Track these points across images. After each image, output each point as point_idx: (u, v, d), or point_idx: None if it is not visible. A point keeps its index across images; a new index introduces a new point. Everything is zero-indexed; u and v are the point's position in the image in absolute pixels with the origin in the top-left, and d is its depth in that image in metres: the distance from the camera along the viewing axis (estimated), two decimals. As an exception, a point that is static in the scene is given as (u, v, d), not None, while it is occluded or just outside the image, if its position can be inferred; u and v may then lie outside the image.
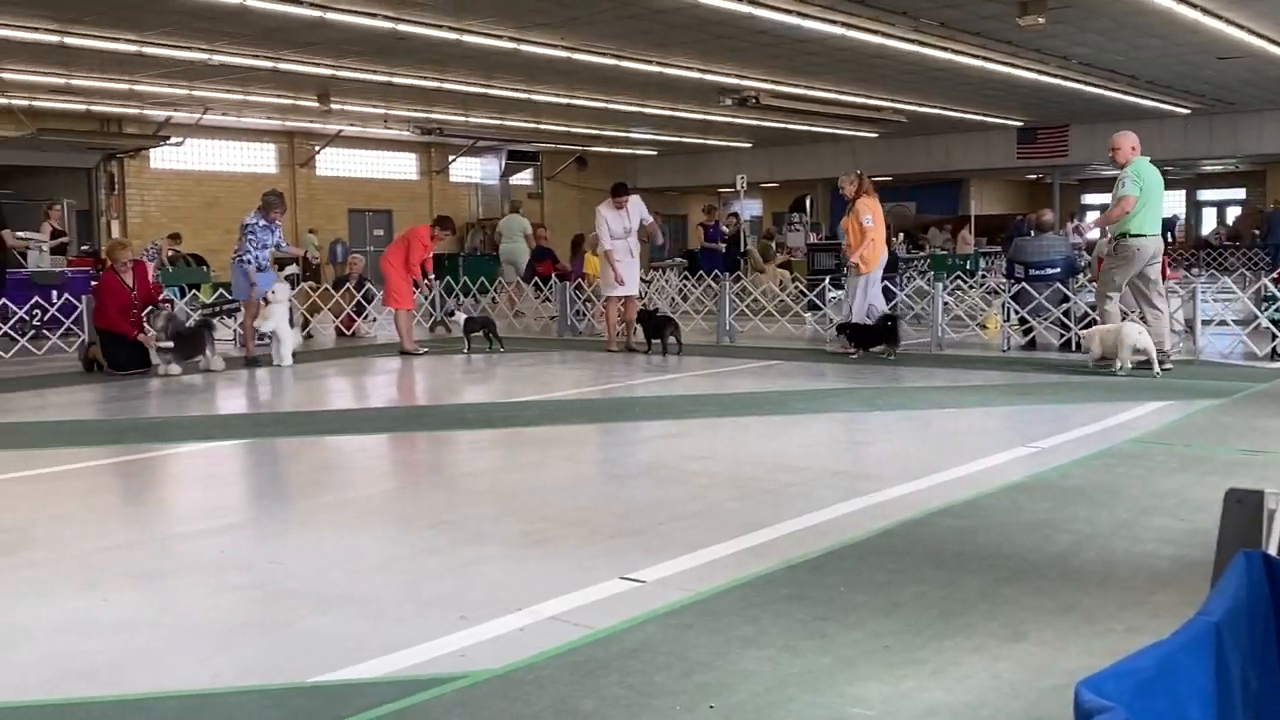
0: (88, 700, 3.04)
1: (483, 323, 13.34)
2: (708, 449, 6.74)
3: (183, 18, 13.99)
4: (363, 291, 15.95)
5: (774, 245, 22.76)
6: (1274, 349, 10.52)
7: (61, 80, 18.23)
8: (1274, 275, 11.07)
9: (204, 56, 16.24)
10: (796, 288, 16.79)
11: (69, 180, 21.32)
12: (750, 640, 3.34)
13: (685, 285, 17.74)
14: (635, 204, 12.67)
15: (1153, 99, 22.63)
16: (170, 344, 11.00)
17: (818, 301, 14.77)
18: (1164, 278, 10.72)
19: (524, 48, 16.09)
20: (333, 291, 16.10)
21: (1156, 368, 9.38)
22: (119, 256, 11.51)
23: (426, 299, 16.20)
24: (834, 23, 14.54)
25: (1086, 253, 12.94)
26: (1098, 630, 3.40)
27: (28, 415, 8.72)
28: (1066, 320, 11.60)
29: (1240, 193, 39.10)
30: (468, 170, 30.72)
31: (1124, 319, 9.90)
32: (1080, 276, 11.91)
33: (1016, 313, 11.96)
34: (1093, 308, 10.73)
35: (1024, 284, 11.71)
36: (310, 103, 21.18)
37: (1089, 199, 38.30)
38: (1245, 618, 1.59)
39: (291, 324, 12.36)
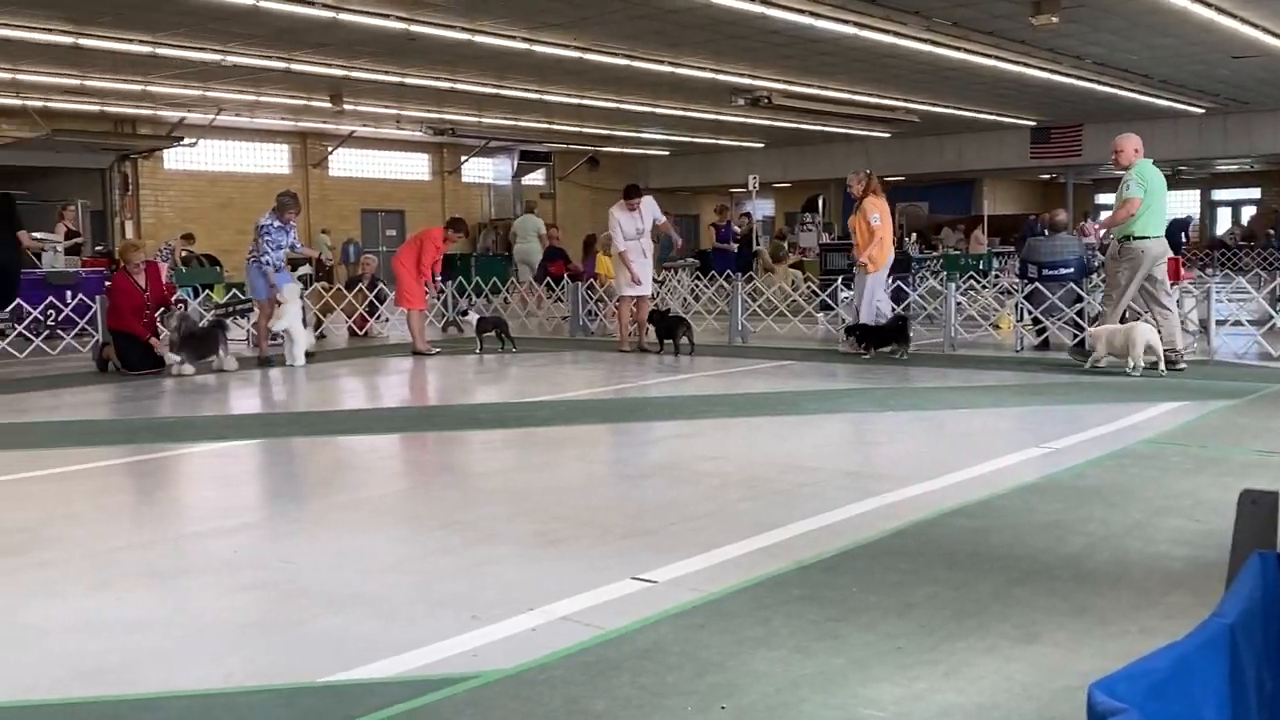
0: (99, 700, 3.05)
1: (495, 323, 13.36)
2: (720, 449, 6.73)
3: (196, 19, 14.04)
4: (375, 292, 16.00)
5: (786, 245, 22.74)
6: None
7: (76, 81, 18.31)
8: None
9: (217, 57, 16.30)
10: (809, 287, 16.77)
11: (83, 181, 21.44)
12: (762, 641, 3.33)
13: (697, 285, 17.74)
14: (648, 205, 12.69)
15: (1167, 98, 22.53)
16: (177, 350, 11.04)
17: (830, 301, 14.76)
18: (1178, 278, 10.68)
19: (536, 48, 16.10)
20: (345, 291, 16.14)
21: (1164, 367, 9.35)
22: (131, 258, 11.56)
23: (439, 299, 16.23)
24: (846, 22, 14.52)
25: (1100, 253, 12.89)
26: (1111, 632, 3.39)
27: (41, 415, 8.76)
28: (1080, 320, 11.56)
29: (1255, 192, 38.90)
30: (480, 171, 30.74)
31: (1135, 319, 9.86)
32: (1094, 276, 11.87)
33: (1030, 313, 11.93)
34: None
35: (1037, 284, 11.67)
36: (323, 103, 21.23)
37: (1103, 199, 38.10)
38: (1260, 619, 1.58)
39: (304, 324, 12.40)
